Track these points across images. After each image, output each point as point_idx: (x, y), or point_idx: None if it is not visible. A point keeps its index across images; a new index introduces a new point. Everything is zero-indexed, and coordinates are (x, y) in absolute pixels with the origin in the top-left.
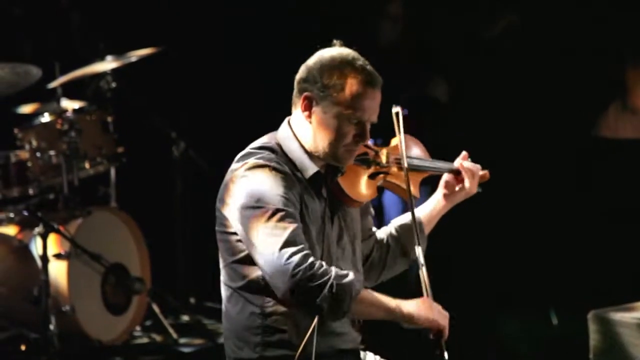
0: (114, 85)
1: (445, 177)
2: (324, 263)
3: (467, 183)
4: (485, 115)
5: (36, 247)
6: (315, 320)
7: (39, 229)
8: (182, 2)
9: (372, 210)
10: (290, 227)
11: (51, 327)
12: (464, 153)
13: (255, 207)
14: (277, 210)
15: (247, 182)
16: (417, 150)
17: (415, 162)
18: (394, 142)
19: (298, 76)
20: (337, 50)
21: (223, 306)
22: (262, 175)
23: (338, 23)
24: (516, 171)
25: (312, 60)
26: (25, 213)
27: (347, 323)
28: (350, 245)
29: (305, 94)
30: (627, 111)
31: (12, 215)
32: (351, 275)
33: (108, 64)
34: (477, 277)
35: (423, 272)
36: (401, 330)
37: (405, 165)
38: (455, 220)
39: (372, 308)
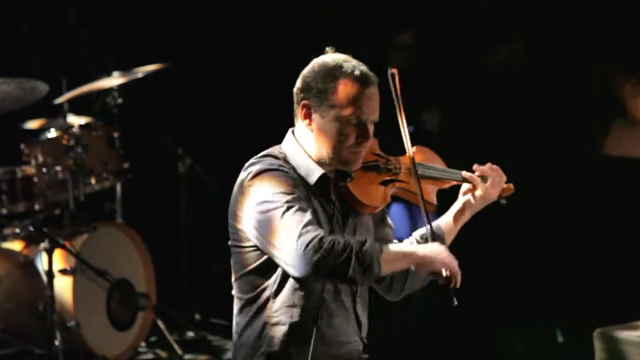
0: (120, 101)
1: (465, 186)
2: (341, 239)
3: (483, 191)
4: (486, 140)
5: (42, 263)
6: (314, 332)
7: (44, 245)
8: (188, 19)
9: (390, 222)
10: (304, 219)
11: (56, 342)
12: (488, 164)
13: (267, 210)
14: (288, 207)
15: (255, 189)
16: (433, 161)
17: (430, 170)
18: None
19: (295, 87)
20: (329, 56)
21: (234, 319)
22: (268, 178)
23: (347, 48)
24: (523, 188)
25: (306, 69)
26: (31, 228)
27: (349, 332)
28: None
29: (303, 102)
30: (631, 126)
31: (17, 230)
32: (370, 240)
33: (114, 80)
34: (482, 294)
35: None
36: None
37: (411, 153)
38: (459, 237)
39: (396, 263)
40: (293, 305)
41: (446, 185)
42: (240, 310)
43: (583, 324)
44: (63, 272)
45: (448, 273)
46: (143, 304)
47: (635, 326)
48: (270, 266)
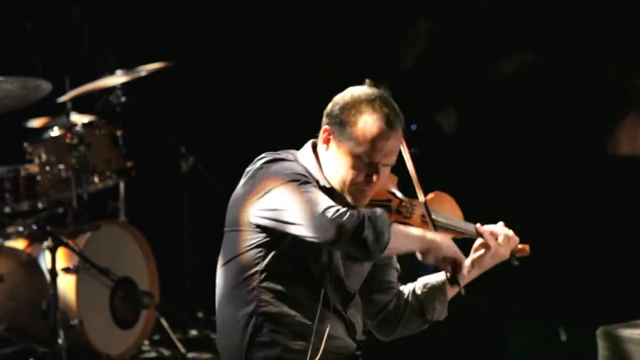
0: (123, 99)
1: (477, 242)
2: (354, 210)
3: (493, 248)
4: (494, 139)
5: (45, 261)
6: (316, 320)
7: (47, 243)
8: (191, 17)
9: (397, 265)
10: (320, 193)
11: (60, 341)
12: (500, 223)
13: (282, 184)
14: (305, 181)
15: (268, 172)
16: (448, 209)
17: (442, 219)
18: (423, 198)
19: (325, 110)
20: (363, 89)
21: (217, 310)
22: (280, 163)
23: (356, 43)
24: (528, 187)
25: (338, 96)
26: (34, 227)
27: (343, 330)
28: (360, 266)
29: (325, 127)
30: None
31: (21, 229)
32: (379, 209)
33: (118, 79)
34: (486, 294)
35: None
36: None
37: (422, 199)
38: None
39: (405, 239)
40: (285, 293)
41: (458, 237)
42: (222, 298)
43: (586, 322)
44: (66, 270)
45: (451, 265)
46: (146, 302)
47: (638, 324)
48: (262, 250)
